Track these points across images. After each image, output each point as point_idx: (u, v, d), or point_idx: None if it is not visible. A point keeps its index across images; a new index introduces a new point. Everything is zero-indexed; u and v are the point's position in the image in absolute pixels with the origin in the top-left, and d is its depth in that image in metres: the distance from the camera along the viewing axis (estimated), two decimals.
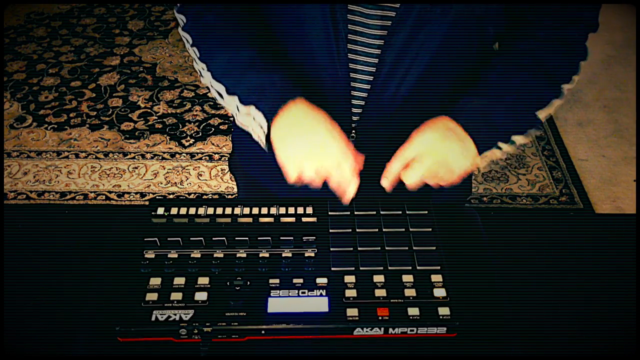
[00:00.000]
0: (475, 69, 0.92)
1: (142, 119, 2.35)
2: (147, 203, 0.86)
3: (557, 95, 0.87)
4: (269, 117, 0.79)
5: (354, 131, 0.91)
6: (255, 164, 1.07)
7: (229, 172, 2.10)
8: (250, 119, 0.82)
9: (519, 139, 0.86)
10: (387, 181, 0.80)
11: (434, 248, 0.79)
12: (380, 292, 0.74)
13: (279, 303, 0.73)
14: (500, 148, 0.84)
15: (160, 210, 0.84)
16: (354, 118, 0.90)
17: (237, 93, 0.82)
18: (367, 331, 0.71)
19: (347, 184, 0.78)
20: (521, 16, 0.87)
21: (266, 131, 0.79)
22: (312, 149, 0.77)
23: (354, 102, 0.89)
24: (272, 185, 1.05)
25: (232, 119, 2.35)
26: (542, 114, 0.87)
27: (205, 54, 0.86)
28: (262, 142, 0.81)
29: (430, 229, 0.81)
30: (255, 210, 0.84)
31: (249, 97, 0.81)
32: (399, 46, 0.82)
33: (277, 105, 0.79)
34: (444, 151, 0.79)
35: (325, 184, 0.79)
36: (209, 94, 2.48)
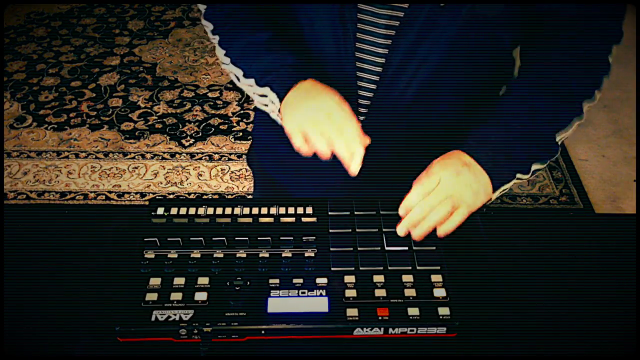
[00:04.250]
0: (489, 76, 0.90)
1: (142, 119, 2.35)
2: (147, 203, 0.86)
3: (578, 114, 0.83)
4: (282, 95, 0.81)
5: None
6: (272, 159, 1.07)
7: (229, 172, 2.10)
8: (266, 100, 0.84)
9: (539, 167, 0.82)
10: (404, 210, 0.78)
11: (434, 248, 0.79)
12: (380, 292, 0.74)
13: (279, 303, 0.72)
14: (520, 179, 0.81)
15: (160, 210, 0.84)
16: (360, 118, 0.90)
17: (253, 75, 0.85)
18: (367, 331, 0.71)
19: (353, 149, 0.76)
20: (538, 29, 0.84)
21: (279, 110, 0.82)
22: (317, 112, 0.78)
23: (361, 101, 0.89)
24: (288, 183, 1.05)
25: (235, 117, 2.36)
26: (560, 136, 0.83)
27: (225, 40, 0.89)
28: (279, 120, 0.84)
29: None
30: (255, 210, 0.84)
31: (263, 78, 0.84)
32: (407, 47, 0.82)
33: (289, 84, 0.81)
34: (458, 189, 0.76)
35: (334, 158, 0.78)
36: (209, 94, 2.48)
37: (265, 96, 0.84)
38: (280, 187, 1.07)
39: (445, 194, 0.76)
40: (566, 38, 0.83)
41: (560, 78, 0.83)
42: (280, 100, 0.81)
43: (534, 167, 0.82)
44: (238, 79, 0.88)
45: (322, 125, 0.76)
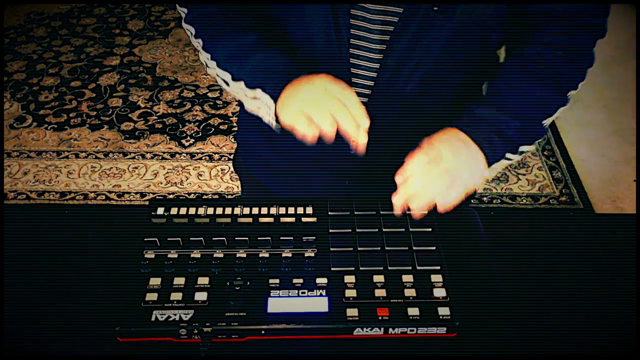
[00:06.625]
0: (478, 75, 0.91)
1: (142, 119, 2.35)
2: (147, 203, 0.86)
3: (564, 103, 0.86)
4: (275, 97, 0.79)
5: None
6: (258, 164, 1.07)
7: (229, 172, 2.10)
8: (258, 102, 0.82)
9: (526, 149, 0.85)
10: (401, 179, 0.77)
11: (434, 248, 0.79)
12: (380, 292, 0.74)
13: (279, 303, 0.72)
14: (508, 159, 0.84)
15: (160, 210, 0.84)
16: None
17: (242, 78, 0.83)
18: (367, 331, 0.71)
19: (358, 120, 0.75)
20: (526, 22, 0.86)
21: (274, 111, 0.79)
22: (314, 92, 0.76)
23: None
24: (275, 186, 1.05)
25: (235, 117, 2.36)
26: (547, 122, 0.86)
27: (209, 43, 0.86)
28: (273, 123, 0.81)
29: (430, 229, 0.81)
30: (255, 210, 0.84)
31: (254, 80, 0.81)
32: (401, 51, 0.82)
33: (282, 85, 0.79)
34: (457, 164, 0.77)
35: (338, 136, 0.76)
36: (209, 94, 2.48)
37: (258, 99, 0.82)
38: (269, 192, 1.07)
39: (446, 166, 0.76)
40: (552, 32, 0.85)
41: (549, 67, 0.85)
42: (275, 101, 0.79)
43: (522, 148, 0.84)
44: (227, 84, 0.86)
45: (322, 101, 0.75)
